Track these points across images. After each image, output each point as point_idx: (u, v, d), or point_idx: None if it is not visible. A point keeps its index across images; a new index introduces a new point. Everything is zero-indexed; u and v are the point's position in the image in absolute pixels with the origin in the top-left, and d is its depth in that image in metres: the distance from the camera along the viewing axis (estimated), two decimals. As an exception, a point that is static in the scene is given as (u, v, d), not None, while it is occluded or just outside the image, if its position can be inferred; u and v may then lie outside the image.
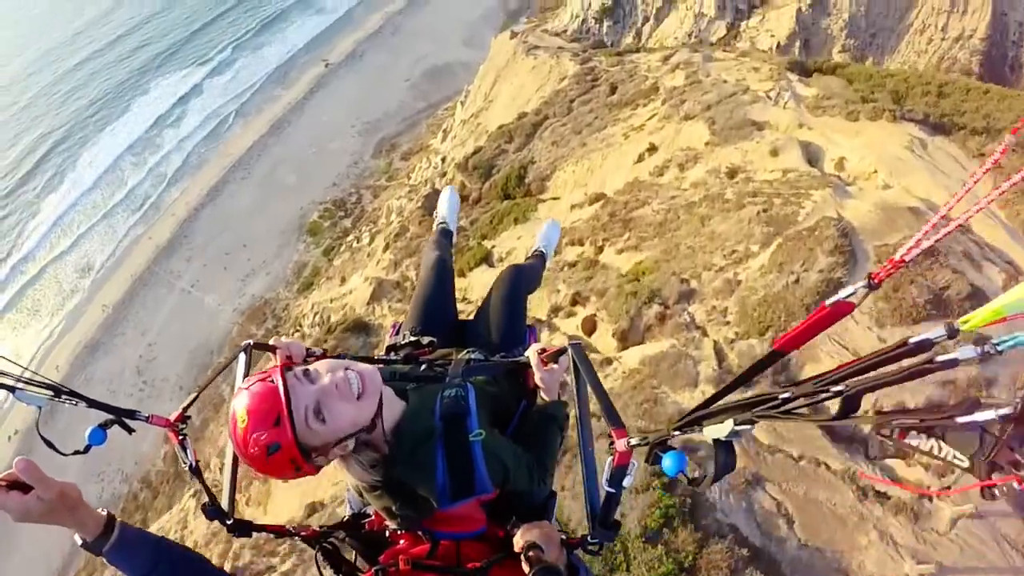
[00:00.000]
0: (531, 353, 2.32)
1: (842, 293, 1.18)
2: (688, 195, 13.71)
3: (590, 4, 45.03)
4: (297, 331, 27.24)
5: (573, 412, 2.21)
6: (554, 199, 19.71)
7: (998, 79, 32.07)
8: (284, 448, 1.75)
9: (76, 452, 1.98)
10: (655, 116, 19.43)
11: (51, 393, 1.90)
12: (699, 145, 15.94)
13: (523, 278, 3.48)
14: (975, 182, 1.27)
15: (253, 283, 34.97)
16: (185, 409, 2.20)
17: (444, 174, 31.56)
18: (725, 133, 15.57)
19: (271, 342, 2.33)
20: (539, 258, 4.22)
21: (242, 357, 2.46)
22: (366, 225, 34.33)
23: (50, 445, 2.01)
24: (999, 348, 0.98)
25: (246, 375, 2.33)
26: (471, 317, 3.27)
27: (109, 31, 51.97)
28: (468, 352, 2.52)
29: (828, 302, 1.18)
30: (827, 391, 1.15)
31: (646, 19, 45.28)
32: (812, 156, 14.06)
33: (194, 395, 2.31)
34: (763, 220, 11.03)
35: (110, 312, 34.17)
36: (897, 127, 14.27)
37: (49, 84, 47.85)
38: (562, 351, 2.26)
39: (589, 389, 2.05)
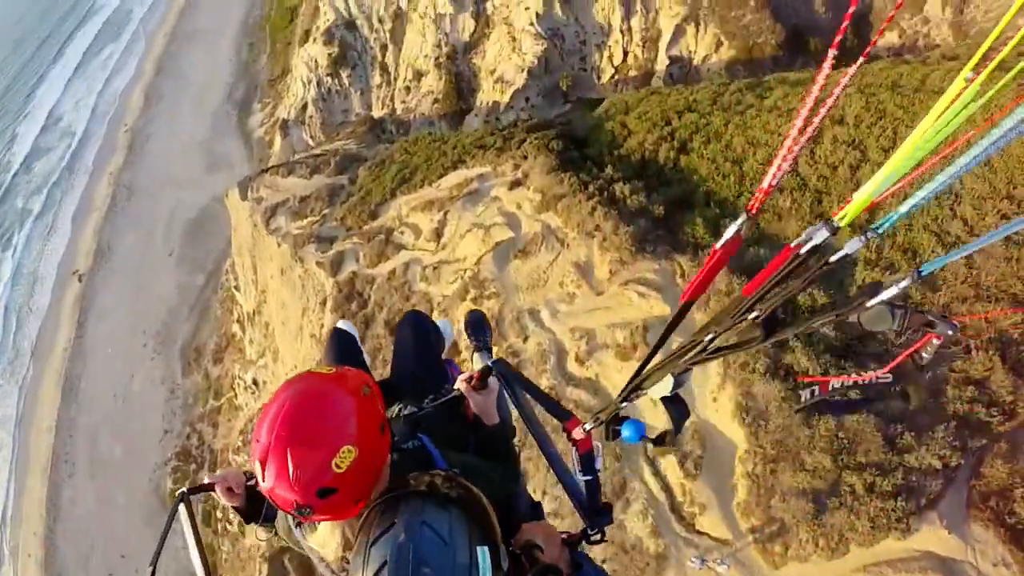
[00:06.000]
0: (460, 384, 2.34)
1: (728, 233, 1.23)
2: None
3: (316, 62, 36.20)
4: None
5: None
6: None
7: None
8: (372, 408, 1.76)
9: None
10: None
11: None
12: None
13: (421, 319, 3.52)
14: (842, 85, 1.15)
15: (153, 597, 31.25)
16: None
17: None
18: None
19: (205, 480, 2.28)
20: None
21: (183, 508, 2.28)
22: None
23: None
24: (879, 231, 1.07)
25: (194, 525, 2.26)
26: (387, 375, 3.20)
27: None
28: (399, 408, 2.57)
29: (718, 245, 1.25)
30: (744, 319, 1.24)
31: (384, 47, 36.81)
32: None
33: (150, 570, 2.18)
34: None
35: None
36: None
37: None
38: (488, 371, 2.27)
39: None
